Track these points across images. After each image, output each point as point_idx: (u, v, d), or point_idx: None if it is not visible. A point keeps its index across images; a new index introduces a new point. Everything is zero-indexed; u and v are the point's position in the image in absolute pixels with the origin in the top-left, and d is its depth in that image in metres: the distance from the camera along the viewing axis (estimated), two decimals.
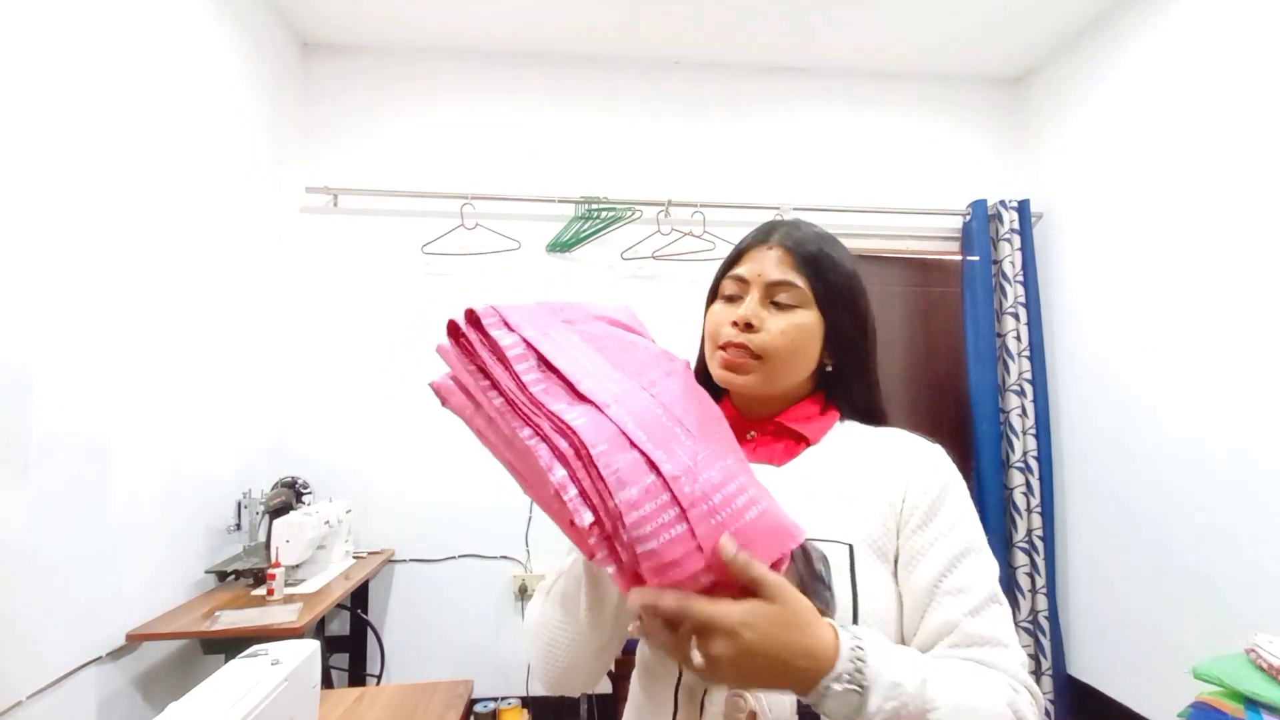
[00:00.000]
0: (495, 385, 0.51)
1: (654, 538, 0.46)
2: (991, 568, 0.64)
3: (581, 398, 0.51)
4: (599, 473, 0.47)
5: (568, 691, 0.68)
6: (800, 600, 0.50)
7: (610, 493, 0.46)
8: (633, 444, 0.49)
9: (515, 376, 0.51)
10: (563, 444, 0.48)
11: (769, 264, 0.73)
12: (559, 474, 0.47)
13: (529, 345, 0.52)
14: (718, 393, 0.77)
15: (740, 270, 0.74)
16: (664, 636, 0.48)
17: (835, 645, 0.49)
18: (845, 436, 0.74)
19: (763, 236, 0.75)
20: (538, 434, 0.49)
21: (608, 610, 0.63)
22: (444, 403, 0.57)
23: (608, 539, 0.47)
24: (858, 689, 0.49)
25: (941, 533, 0.65)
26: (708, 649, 0.47)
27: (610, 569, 0.47)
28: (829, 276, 0.72)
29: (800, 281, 0.71)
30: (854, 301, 0.74)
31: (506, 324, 0.53)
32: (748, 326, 0.70)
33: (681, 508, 0.48)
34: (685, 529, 0.47)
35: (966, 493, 0.69)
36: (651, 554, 0.46)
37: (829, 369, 0.75)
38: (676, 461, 0.49)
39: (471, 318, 0.53)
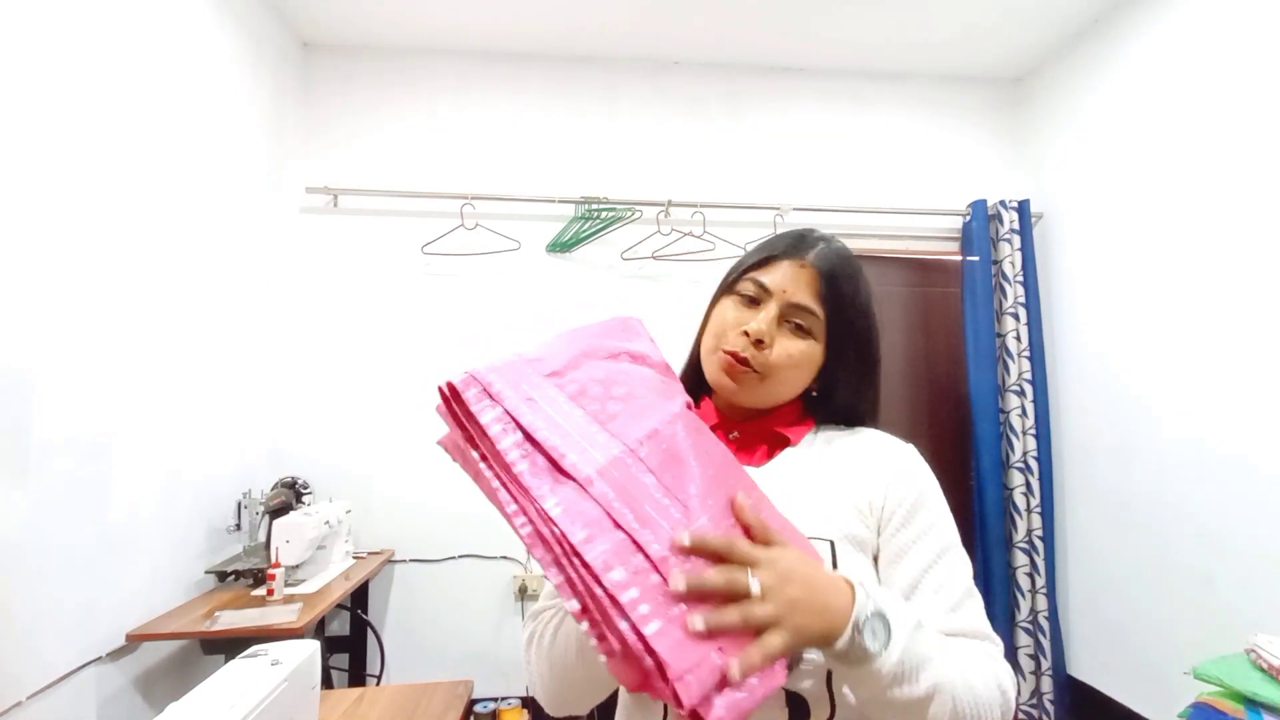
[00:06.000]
0: (485, 458, 0.50)
1: (654, 619, 0.43)
2: (966, 563, 0.68)
3: (564, 474, 0.48)
4: (583, 560, 0.44)
5: (576, 711, 0.69)
6: (809, 551, 0.55)
7: (598, 578, 0.44)
8: (617, 524, 0.47)
9: (498, 456, 0.49)
10: (546, 531, 0.46)
11: (797, 284, 0.71)
12: (544, 559, 0.46)
13: (510, 417, 0.50)
14: (701, 387, 0.78)
15: (765, 278, 0.72)
16: (715, 578, 0.48)
17: (848, 582, 0.53)
18: (822, 439, 0.76)
19: (799, 249, 0.72)
20: (524, 514, 0.48)
21: None
22: (453, 459, 0.55)
23: (598, 624, 0.45)
24: (884, 619, 0.51)
25: (921, 533, 0.67)
26: (760, 578, 0.48)
27: (601, 658, 0.45)
28: (848, 314, 0.72)
29: (821, 311, 0.70)
30: (865, 338, 0.74)
31: (488, 393, 0.51)
32: (758, 343, 0.69)
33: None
34: (679, 611, 0.45)
35: (940, 492, 0.71)
36: (658, 635, 0.43)
37: (814, 393, 0.76)
38: (664, 539, 0.47)
39: (452, 391, 0.51)
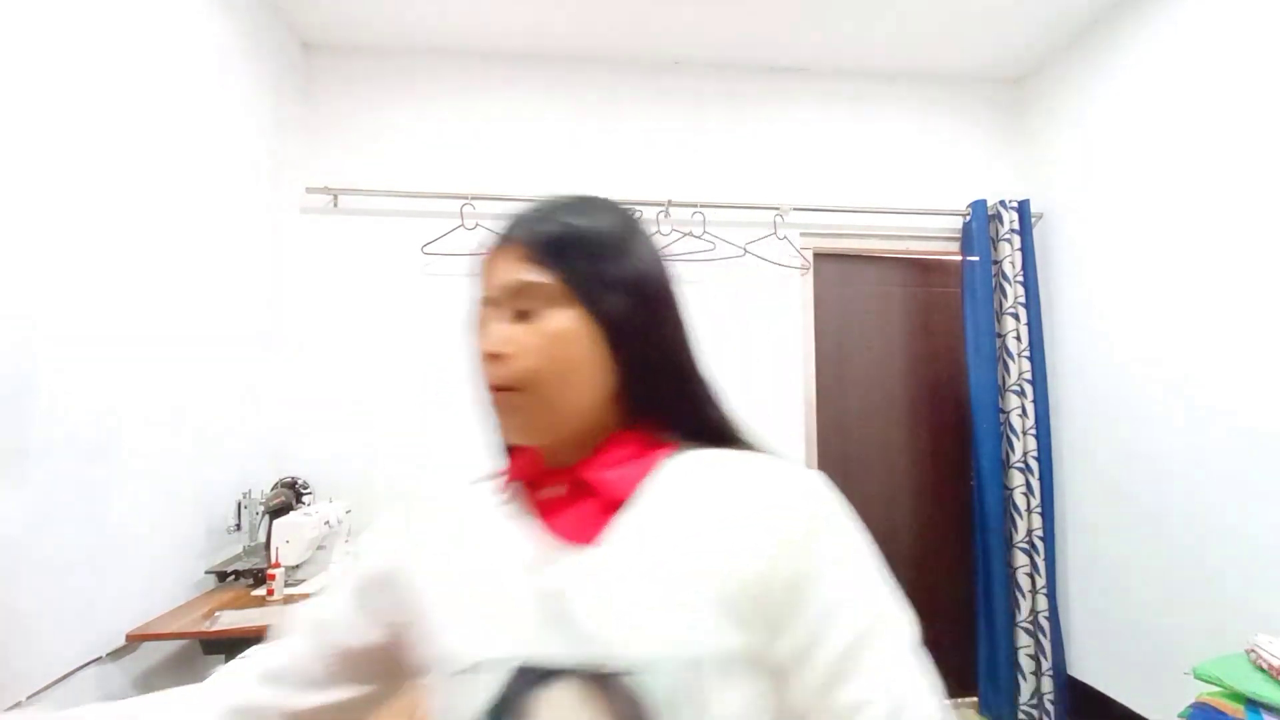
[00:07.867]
0: None
1: None
2: (904, 630, 0.48)
3: None
4: None
5: None
6: None
7: None
8: None
9: None
10: None
11: (503, 268, 0.54)
12: None
13: None
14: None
15: (480, 288, 0.56)
16: None
17: None
18: (680, 481, 0.53)
19: (501, 236, 0.55)
20: None
21: None
22: None
23: None
24: None
25: (830, 618, 0.47)
26: None
27: None
28: (582, 260, 0.53)
29: (543, 276, 0.52)
30: (630, 279, 0.54)
31: None
32: (496, 358, 0.52)
33: None
34: None
35: (857, 534, 0.51)
36: None
37: (634, 373, 0.55)
38: None
39: None
